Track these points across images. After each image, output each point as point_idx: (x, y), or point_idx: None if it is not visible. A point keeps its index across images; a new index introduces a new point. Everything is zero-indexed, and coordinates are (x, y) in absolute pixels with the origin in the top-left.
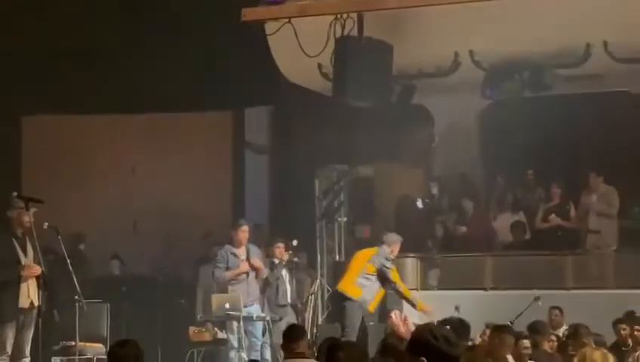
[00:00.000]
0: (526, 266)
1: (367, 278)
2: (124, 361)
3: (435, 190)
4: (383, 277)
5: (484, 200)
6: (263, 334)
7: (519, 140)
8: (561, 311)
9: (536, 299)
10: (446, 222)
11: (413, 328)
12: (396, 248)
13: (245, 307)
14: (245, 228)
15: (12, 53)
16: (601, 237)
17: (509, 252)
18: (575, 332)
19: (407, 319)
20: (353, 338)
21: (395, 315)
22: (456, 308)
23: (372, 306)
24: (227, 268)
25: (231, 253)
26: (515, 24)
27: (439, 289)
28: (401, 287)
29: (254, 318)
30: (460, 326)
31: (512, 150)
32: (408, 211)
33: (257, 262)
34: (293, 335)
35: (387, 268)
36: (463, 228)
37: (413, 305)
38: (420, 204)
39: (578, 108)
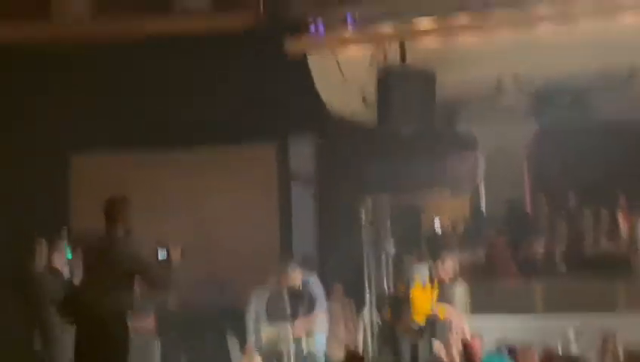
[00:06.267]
0: (576, 291)
1: (398, 297)
2: None
3: None
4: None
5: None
6: None
7: (566, 164)
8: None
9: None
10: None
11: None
12: (444, 268)
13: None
14: (296, 273)
15: (63, 91)
16: None
17: (559, 276)
18: None
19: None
20: None
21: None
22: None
23: (399, 326)
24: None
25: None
26: (559, 48)
27: (489, 313)
28: (418, 307)
29: (304, 354)
30: None
31: (559, 174)
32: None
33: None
34: None
35: (410, 285)
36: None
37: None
38: (437, 224)
39: (624, 131)
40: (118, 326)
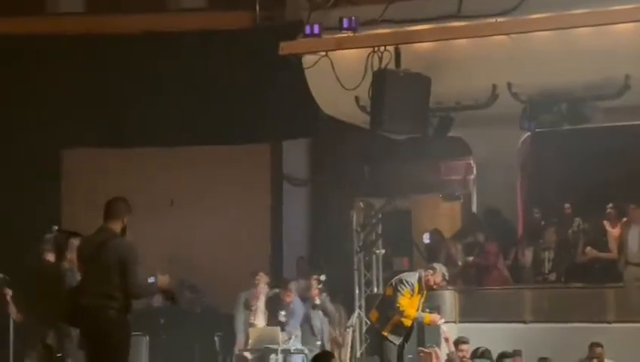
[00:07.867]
0: (566, 299)
1: (386, 301)
2: None
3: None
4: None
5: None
6: None
7: (558, 172)
8: (602, 347)
9: None
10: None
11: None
12: (434, 277)
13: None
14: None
15: (54, 87)
16: None
17: (549, 284)
18: None
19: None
20: None
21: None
22: None
23: (386, 330)
24: None
25: None
26: (553, 56)
27: (478, 321)
28: (405, 313)
29: (292, 351)
30: None
31: (550, 182)
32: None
33: None
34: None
35: (399, 291)
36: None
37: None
38: (427, 238)
39: (617, 140)
40: (118, 326)
